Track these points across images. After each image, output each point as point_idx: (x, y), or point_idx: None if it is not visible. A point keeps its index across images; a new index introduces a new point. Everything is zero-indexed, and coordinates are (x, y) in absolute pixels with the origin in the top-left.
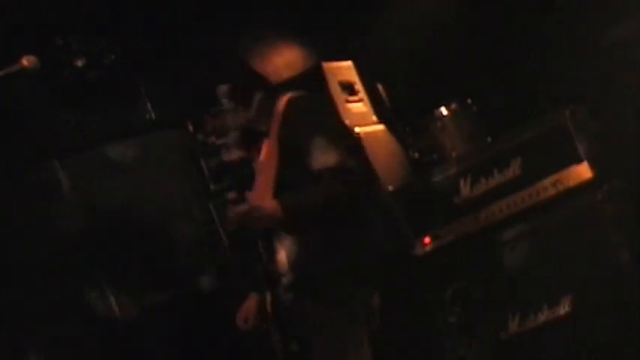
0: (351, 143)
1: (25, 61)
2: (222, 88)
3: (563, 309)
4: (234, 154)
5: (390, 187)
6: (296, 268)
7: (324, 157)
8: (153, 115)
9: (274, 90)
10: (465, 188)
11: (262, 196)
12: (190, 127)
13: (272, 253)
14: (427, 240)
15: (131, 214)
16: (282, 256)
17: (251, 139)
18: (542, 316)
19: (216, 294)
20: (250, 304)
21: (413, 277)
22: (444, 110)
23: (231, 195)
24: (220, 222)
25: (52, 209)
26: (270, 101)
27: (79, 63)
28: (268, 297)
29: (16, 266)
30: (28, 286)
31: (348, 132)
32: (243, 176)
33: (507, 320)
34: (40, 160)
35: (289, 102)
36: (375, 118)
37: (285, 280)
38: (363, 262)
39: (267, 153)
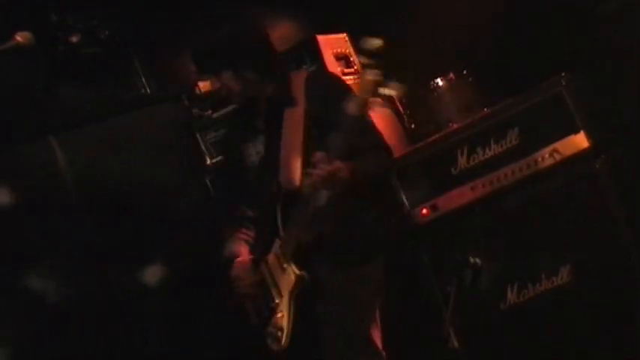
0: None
1: (19, 38)
2: None
3: (562, 279)
4: None
5: None
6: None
7: (366, 134)
8: (148, 90)
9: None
10: (461, 159)
11: (293, 166)
12: (186, 102)
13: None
14: (425, 211)
15: (128, 190)
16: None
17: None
18: (541, 286)
19: (214, 268)
20: (244, 261)
21: (411, 247)
22: (440, 81)
23: (317, 156)
24: (217, 196)
25: (48, 185)
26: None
27: (74, 39)
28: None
29: (13, 245)
30: (26, 263)
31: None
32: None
33: (506, 290)
34: (35, 137)
35: (311, 77)
36: None
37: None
38: (377, 231)
39: (291, 121)
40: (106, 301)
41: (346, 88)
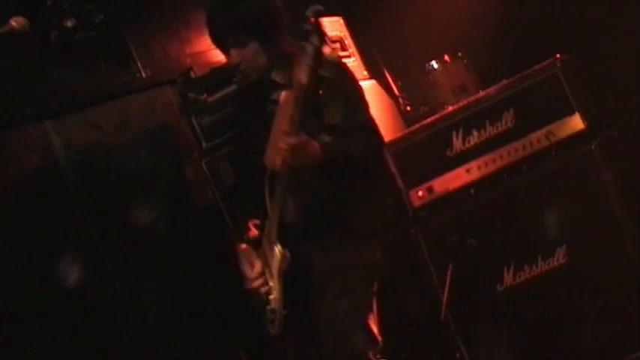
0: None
1: (14, 23)
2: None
3: (558, 260)
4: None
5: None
6: (306, 220)
7: (358, 115)
8: (143, 74)
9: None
10: (457, 141)
11: (280, 141)
12: (181, 86)
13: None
14: (421, 193)
15: (123, 174)
16: (291, 207)
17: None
18: (537, 268)
19: (208, 252)
20: (246, 252)
21: (407, 229)
22: (435, 63)
23: (284, 129)
24: (213, 180)
25: (44, 170)
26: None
27: (69, 23)
28: (278, 249)
29: (8, 229)
30: (21, 248)
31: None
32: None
33: (503, 272)
34: (31, 121)
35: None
36: (366, 73)
37: (293, 233)
38: (371, 215)
39: (285, 103)
40: (104, 286)
41: (347, 72)
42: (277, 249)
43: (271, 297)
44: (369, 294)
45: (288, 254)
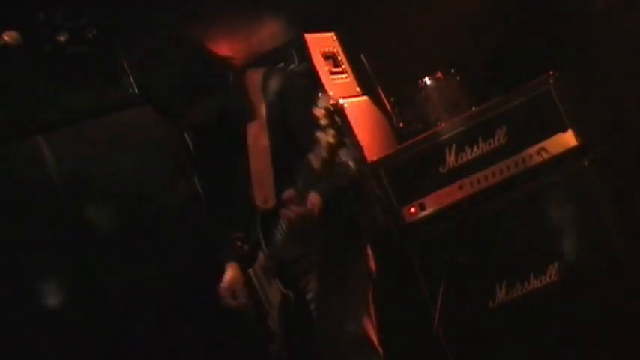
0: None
1: (7, 37)
2: None
3: (550, 277)
4: None
5: (375, 158)
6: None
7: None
8: (136, 89)
9: (241, 68)
10: (450, 157)
11: (266, 184)
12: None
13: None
14: (413, 210)
15: (116, 189)
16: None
17: (229, 122)
18: (529, 285)
19: (202, 268)
20: (233, 275)
21: (400, 246)
22: (428, 80)
23: (287, 194)
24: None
25: (36, 184)
26: (240, 79)
27: (62, 38)
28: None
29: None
30: (14, 262)
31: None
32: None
33: (495, 289)
34: (23, 136)
35: (266, 78)
36: (358, 89)
37: (293, 269)
38: (354, 230)
39: (255, 136)
40: (95, 301)
41: (308, 95)
42: (278, 287)
43: (270, 322)
44: (365, 301)
45: (292, 296)
